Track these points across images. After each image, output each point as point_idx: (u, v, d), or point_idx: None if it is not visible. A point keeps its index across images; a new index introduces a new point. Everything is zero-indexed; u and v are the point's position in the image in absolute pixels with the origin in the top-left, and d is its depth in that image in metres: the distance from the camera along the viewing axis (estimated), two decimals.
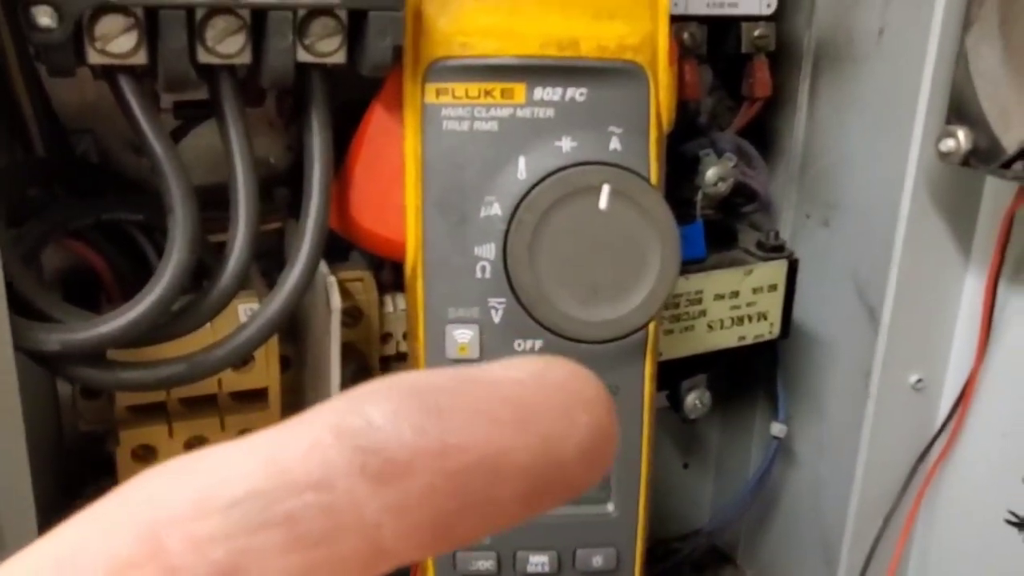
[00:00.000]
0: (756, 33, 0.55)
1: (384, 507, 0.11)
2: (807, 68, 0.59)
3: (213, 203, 0.40)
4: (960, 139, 0.42)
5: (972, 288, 0.53)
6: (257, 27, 0.37)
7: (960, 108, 0.42)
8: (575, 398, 0.12)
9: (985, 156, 0.42)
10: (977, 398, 0.52)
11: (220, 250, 0.41)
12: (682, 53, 0.53)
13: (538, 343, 0.42)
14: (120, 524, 0.10)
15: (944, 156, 0.44)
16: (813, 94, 0.59)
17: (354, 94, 0.42)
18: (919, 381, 0.52)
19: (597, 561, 0.44)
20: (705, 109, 0.60)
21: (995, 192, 0.51)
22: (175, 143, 0.45)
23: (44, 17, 0.33)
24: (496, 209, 0.41)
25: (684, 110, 0.54)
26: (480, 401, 0.11)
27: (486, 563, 0.43)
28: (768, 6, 0.55)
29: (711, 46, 0.55)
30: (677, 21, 0.52)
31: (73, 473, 0.50)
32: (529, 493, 0.11)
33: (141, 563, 0.10)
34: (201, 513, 0.10)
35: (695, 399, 0.58)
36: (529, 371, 0.12)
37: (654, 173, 0.42)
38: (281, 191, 0.49)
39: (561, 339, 0.41)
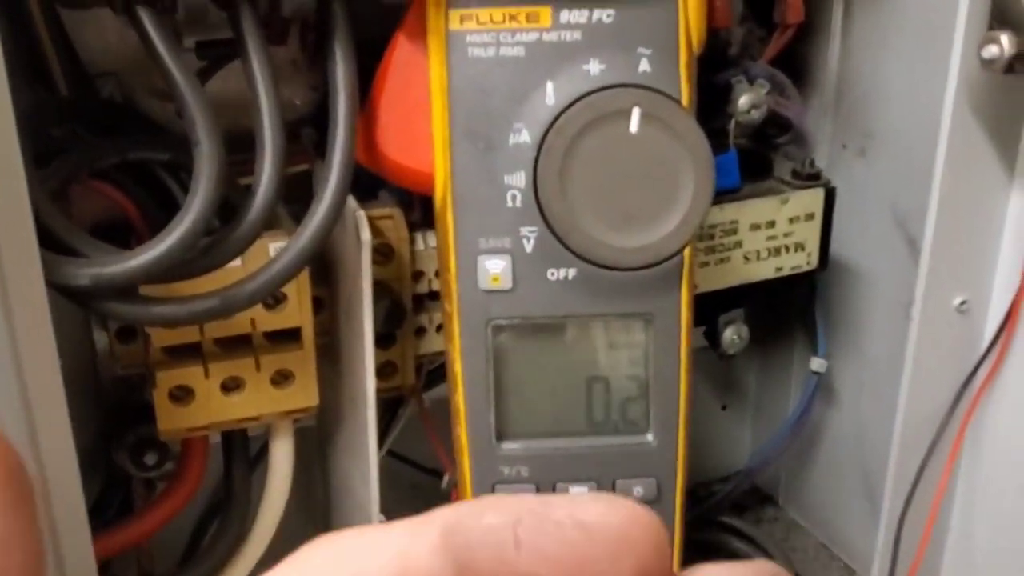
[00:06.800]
0: None
1: None
2: None
3: (240, 147, 0.40)
4: (1003, 44, 0.41)
5: (1017, 204, 0.51)
6: None
7: (1002, 12, 0.41)
8: (626, 546, 0.14)
9: None
10: None
11: (248, 191, 0.41)
12: None
13: (571, 271, 0.41)
14: None
15: (987, 63, 0.42)
16: (847, 20, 0.58)
17: (376, 32, 0.42)
18: (963, 303, 0.51)
19: (638, 491, 0.43)
20: (735, 40, 0.59)
21: None
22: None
23: None
24: (525, 136, 0.40)
25: (715, 40, 0.53)
26: (548, 543, 0.13)
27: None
28: None
29: None
30: None
31: (112, 422, 0.50)
32: None
33: None
34: None
35: (733, 334, 0.57)
36: (593, 515, 0.14)
37: (685, 95, 0.41)
38: (308, 131, 0.49)
39: (595, 267, 0.41)
